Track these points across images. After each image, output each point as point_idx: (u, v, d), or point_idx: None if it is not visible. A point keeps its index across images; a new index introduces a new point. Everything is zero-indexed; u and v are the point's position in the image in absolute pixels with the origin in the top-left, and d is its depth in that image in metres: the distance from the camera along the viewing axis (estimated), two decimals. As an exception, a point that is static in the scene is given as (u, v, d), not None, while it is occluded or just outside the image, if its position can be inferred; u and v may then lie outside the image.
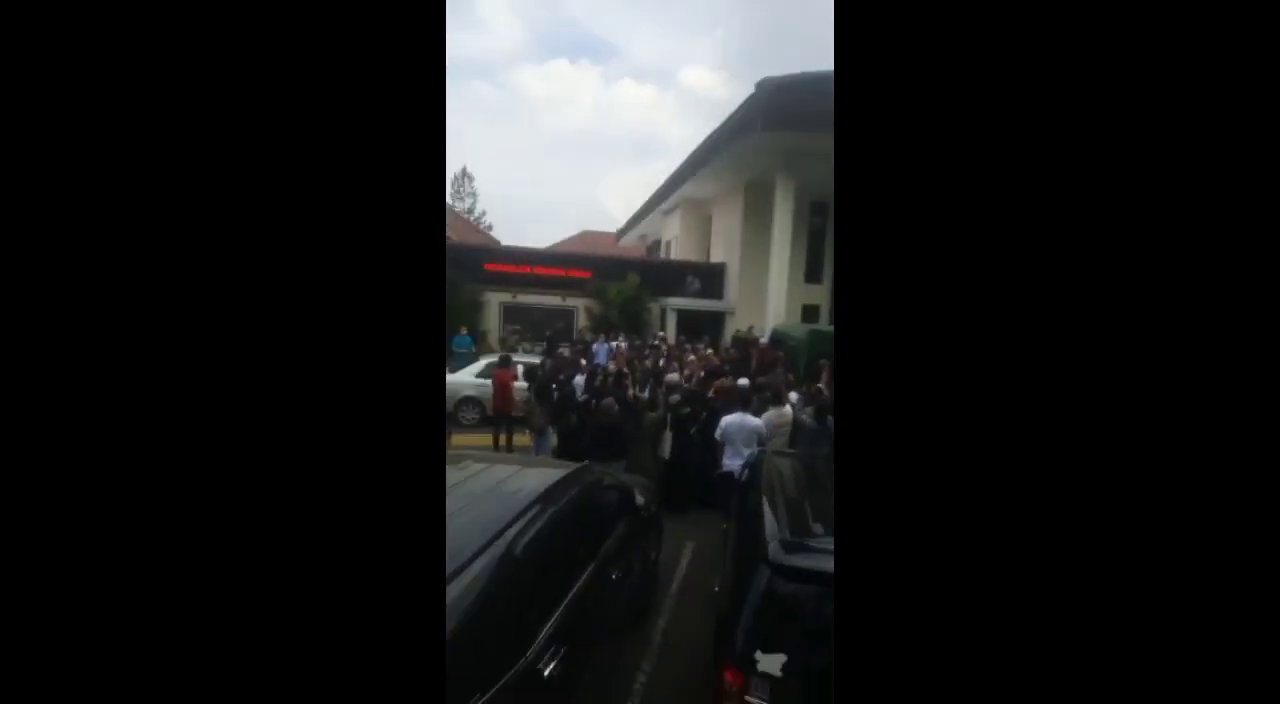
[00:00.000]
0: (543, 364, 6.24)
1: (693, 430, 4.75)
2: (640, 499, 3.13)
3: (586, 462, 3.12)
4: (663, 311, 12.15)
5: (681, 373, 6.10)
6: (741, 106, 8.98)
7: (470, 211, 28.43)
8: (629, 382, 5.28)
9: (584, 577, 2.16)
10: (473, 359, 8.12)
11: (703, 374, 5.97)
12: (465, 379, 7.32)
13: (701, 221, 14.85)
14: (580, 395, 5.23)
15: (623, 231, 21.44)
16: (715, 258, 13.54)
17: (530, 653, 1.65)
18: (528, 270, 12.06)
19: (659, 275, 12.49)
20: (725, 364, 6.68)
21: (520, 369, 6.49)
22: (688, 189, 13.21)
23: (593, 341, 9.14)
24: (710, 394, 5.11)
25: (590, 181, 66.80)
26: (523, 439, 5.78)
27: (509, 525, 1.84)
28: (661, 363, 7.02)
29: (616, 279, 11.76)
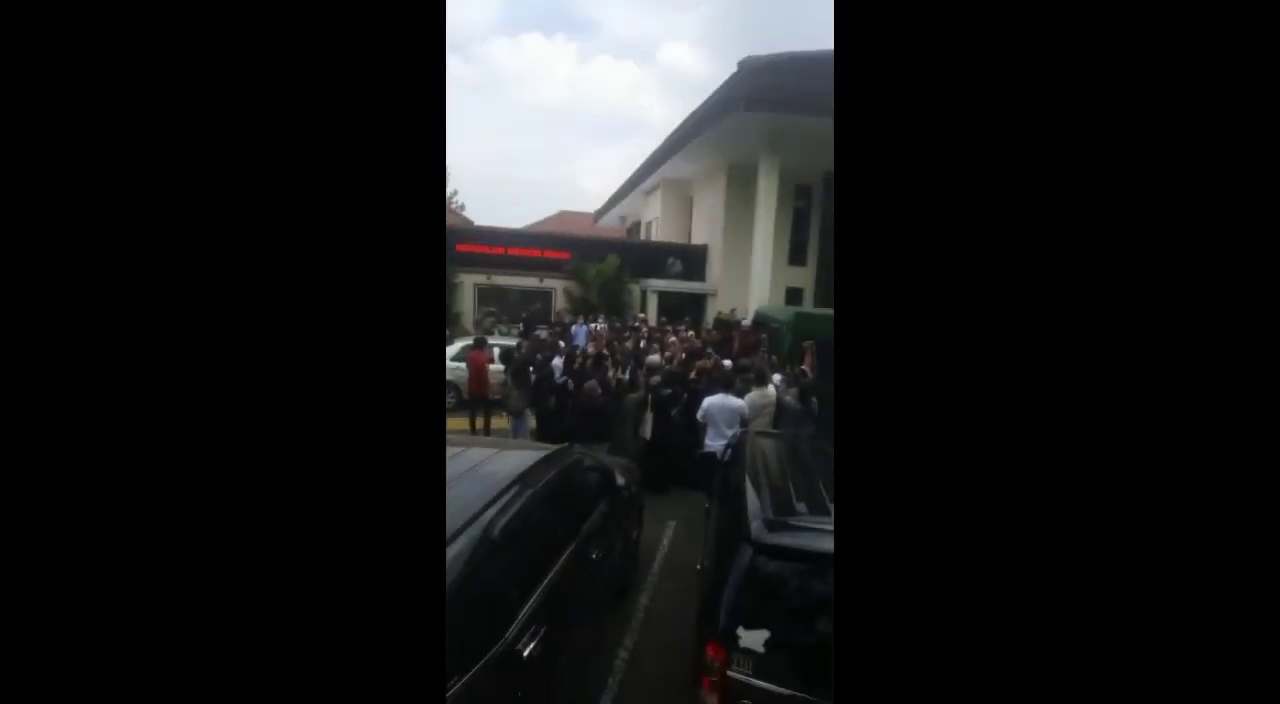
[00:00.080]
0: (519, 346, 6.14)
1: (674, 412, 4.75)
2: (621, 480, 3.11)
3: (566, 443, 3.07)
4: (643, 293, 12.07)
5: (663, 355, 6.08)
6: (724, 86, 8.85)
7: (443, 190, 27.61)
8: (609, 363, 5.24)
9: (564, 557, 2.14)
10: (447, 342, 7.95)
11: (684, 356, 5.96)
12: (441, 362, 7.17)
13: (683, 202, 14.73)
14: (559, 377, 5.17)
15: (601, 212, 21.17)
16: (697, 239, 13.46)
17: (509, 634, 1.63)
18: (503, 251, 11.82)
19: (639, 256, 12.37)
20: (707, 346, 6.68)
21: (497, 352, 6.38)
22: (668, 169, 13.05)
23: (571, 323, 9.05)
24: (692, 375, 5.10)
25: (567, 161, 65.75)
26: (501, 422, 5.71)
27: (487, 507, 1.81)
28: (642, 345, 6.99)
29: (596, 260, 11.61)
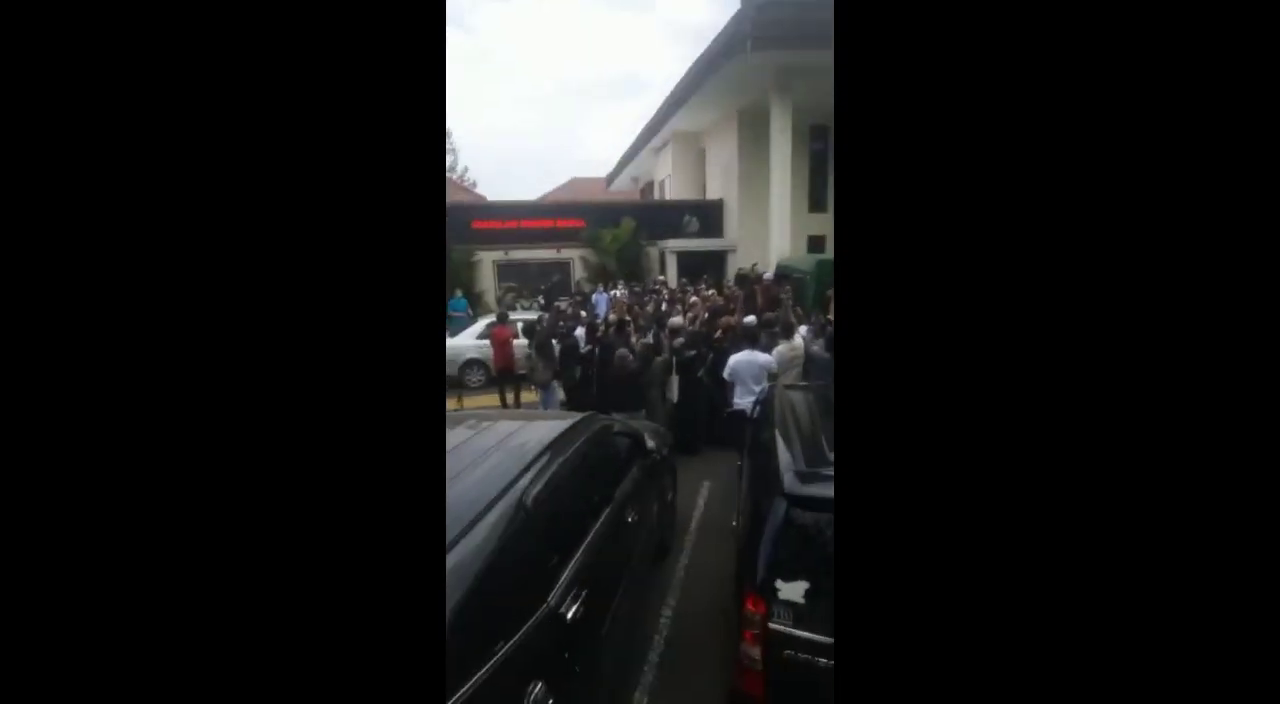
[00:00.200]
0: (540, 319, 6.16)
1: (701, 372, 4.71)
2: (651, 443, 3.12)
3: (592, 411, 3.09)
4: (661, 255, 11.88)
5: (685, 316, 6.01)
6: (728, 26, 8.36)
7: (453, 169, 27.48)
8: (631, 329, 5.21)
9: (600, 521, 2.17)
10: (471, 321, 8.03)
11: (706, 315, 5.87)
12: (466, 342, 7.27)
13: (695, 157, 14.25)
14: (583, 348, 5.17)
15: (613, 176, 20.73)
16: (712, 194, 13.08)
17: (552, 598, 1.67)
18: (518, 225, 11.74)
19: (654, 218, 12.11)
20: (729, 303, 6.57)
21: (520, 326, 6.41)
22: (677, 122, 12.57)
23: (592, 292, 9.00)
24: (717, 334, 5.04)
25: (573, 126, 64.17)
26: (530, 396, 5.79)
27: (519, 476, 1.83)
28: (664, 308, 6.92)
29: (610, 226, 11.43)
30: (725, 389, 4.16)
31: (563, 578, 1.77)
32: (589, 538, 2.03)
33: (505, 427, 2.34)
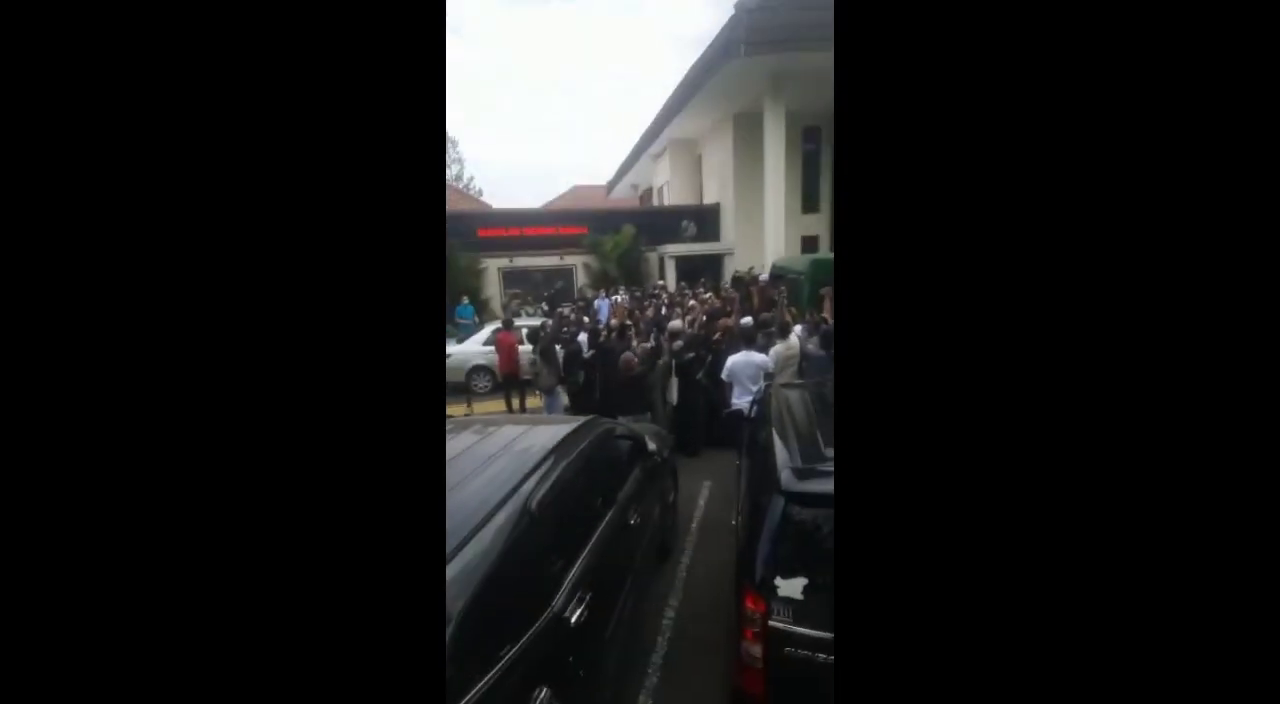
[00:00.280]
0: (542, 326, 6.21)
1: (700, 374, 4.74)
2: (652, 445, 3.14)
3: (593, 415, 3.12)
4: (661, 260, 11.93)
5: (684, 319, 6.04)
6: (722, 31, 8.42)
7: (459, 178, 27.65)
8: (632, 334, 5.24)
9: (602, 524, 2.18)
10: (478, 328, 8.08)
11: (704, 318, 5.90)
12: (473, 348, 7.32)
13: (692, 162, 14.31)
14: (585, 353, 5.21)
15: (613, 183, 20.82)
16: (709, 199, 13.12)
17: (556, 602, 1.68)
18: (522, 233, 11.81)
19: (653, 223, 12.17)
20: (726, 305, 6.60)
21: (524, 332, 6.46)
22: (674, 129, 12.65)
23: (594, 298, 9.05)
24: (716, 336, 5.06)
25: (576, 134, 64.43)
26: (535, 401, 5.82)
27: (523, 480, 1.85)
28: (664, 312, 6.95)
29: (611, 232, 11.50)
30: (723, 390, 4.18)
31: (567, 582, 1.77)
32: (592, 541, 2.04)
33: (509, 431, 2.36)
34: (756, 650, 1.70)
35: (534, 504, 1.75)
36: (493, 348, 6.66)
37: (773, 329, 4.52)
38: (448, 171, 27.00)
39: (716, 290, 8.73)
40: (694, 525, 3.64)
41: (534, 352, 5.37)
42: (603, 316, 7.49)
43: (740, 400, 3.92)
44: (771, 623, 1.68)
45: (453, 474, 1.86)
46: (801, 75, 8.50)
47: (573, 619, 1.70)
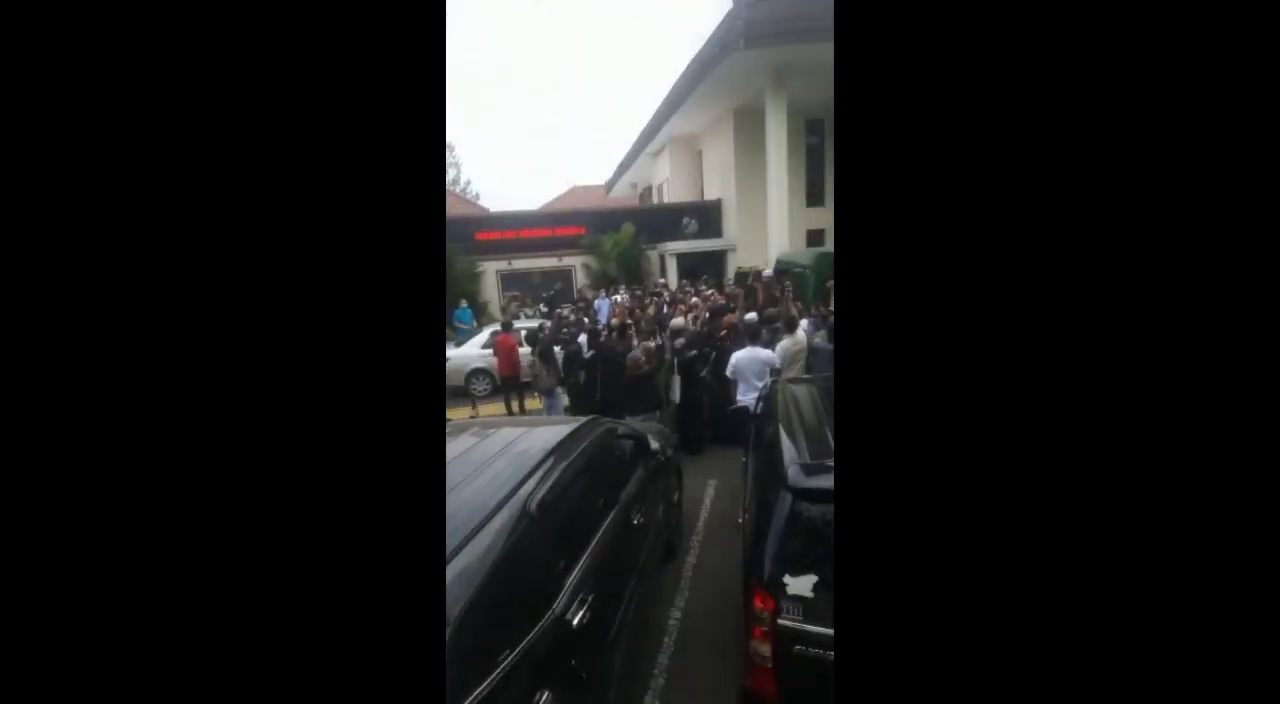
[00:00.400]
0: (541, 327, 6.18)
1: (704, 372, 4.69)
2: (655, 444, 3.10)
3: (594, 415, 3.08)
4: (662, 258, 11.88)
5: (686, 317, 6.00)
6: (721, 25, 8.38)
7: (455, 182, 27.72)
8: (632, 333, 5.20)
9: (605, 524, 2.15)
10: (477, 331, 8.06)
11: (708, 315, 5.86)
12: (472, 352, 7.31)
13: (692, 159, 14.27)
14: (585, 353, 5.17)
15: (612, 182, 20.81)
16: (710, 195, 13.08)
17: (557, 605, 1.65)
18: (520, 235, 11.80)
19: (653, 221, 12.13)
20: (730, 301, 6.56)
21: (523, 334, 6.44)
22: (673, 125, 12.60)
23: (594, 298, 9.01)
24: (722, 333, 5.02)
25: (574, 134, 64.49)
26: (535, 404, 5.79)
27: (523, 482, 1.82)
28: (665, 309, 6.91)
29: (611, 232, 11.46)
30: (728, 387, 4.13)
31: (568, 584, 1.74)
32: (594, 542, 2.01)
33: (508, 433, 2.33)
34: (766, 649, 1.66)
35: (533, 505, 1.72)
36: (491, 351, 6.63)
37: (778, 324, 4.47)
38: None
39: (719, 287, 8.69)
40: (700, 524, 3.59)
41: (533, 353, 5.34)
42: (602, 317, 7.45)
43: (745, 397, 3.87)
44: (781, 621, 1.64)
45: (451, 476, 1.83)
46: (803, 67, 8.45)
47: (575, 621, 1.67)
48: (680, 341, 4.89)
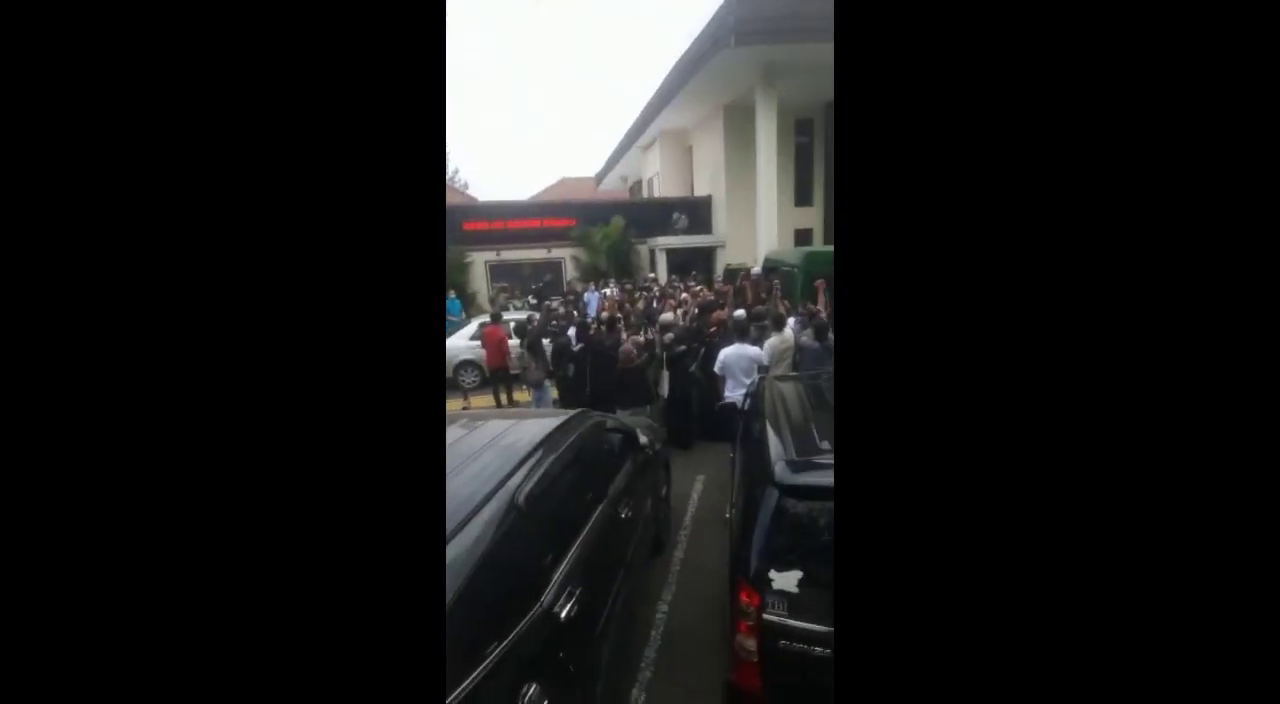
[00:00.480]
0: (529, 319, 6.14)
1: (693, 367, 4.71)
2: (644, 439, 3.11)
3: (583, 408, 3.08)
4: (651, 252, 11.86)
5: (676, 312, 6.00)
6: (711, 21, 8.36)
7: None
8: (621, 326, 5.19)
9: (593, 518, 2.15)
10: (465, 323, 7.98)
11: (697, 311, 5.87)
12: (460, 343, 7.24)
13: (682, 154, 14.24)
14: (574, 346, 5.15)
15: (601, 175, 20.70)
16: (700, 190, 13.08)
17: (545, 597, 1.65)
18: (508, 225, 11.69)
19: (643, 215, 12.09)
20: (720, 297, 6.58)
21: (511, 326, 6.39)
22: (664, 120, 12.57)
23: (584, 291, 8.98)
24: (712, 329, 5.03)
25: (564, 125, 63.93)
26: (524, 396, 5.77)
27: (510, 474, 1.81)
28: (656, 304, 6.91)
29: (600, 225, 11.40)
30: (716, 382, 4.15)
31: (556, 577, 1.74)
32: (582, 535, 2.01)
33: (496, 425, 2.32)
34: (751, 644, 1.68)
35: (521, 498, 1.71)
36: (479, 343, 6.57)
37: (766, 322, 4.49)
38: (434, 164, 26.58)
39: (709, 283, 8.71)
40: (687, 519, 3.61)
41: (521, 346, 5.30)
42: (591, 310, 7.43)
43: (733, 393, 3.90)
44: (766, 616, 1.66)
45: None
46: (793, 67, 8.47)
47: (562, 614, 1.67)
48: (669, 337, 4.90)
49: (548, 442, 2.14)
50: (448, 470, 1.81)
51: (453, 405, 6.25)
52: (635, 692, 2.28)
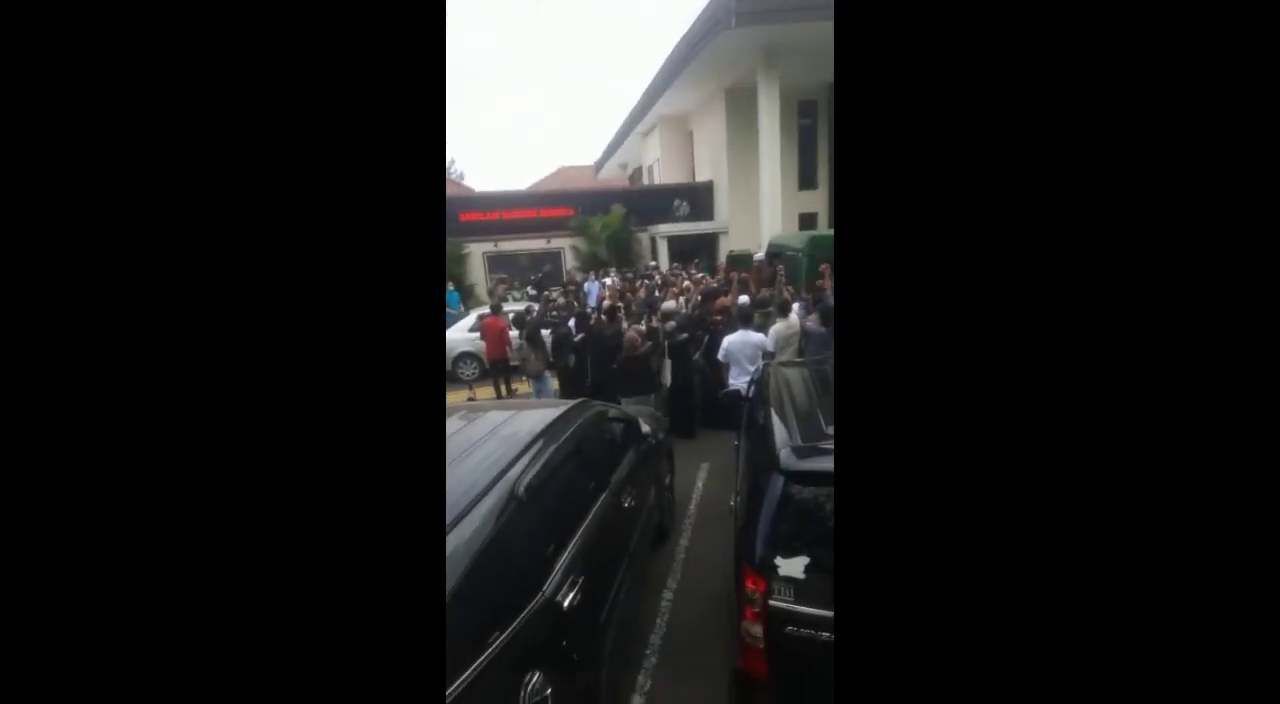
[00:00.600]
0: (528, 310, 6.10)
1: (696, 355, 4.67)
2: (646, 428, 3.09)
3: (584, 398, 3.05)
4: (653, 240, 11.77)
5: (678, 299, 5.96)
6: (710, 3, 8.19)
7: (440, 162, 27.13)
8: (622, 316, 5.15)
9: (596, 507, 2.14)
10: (463, 315, 7.95)
11: (699, 298, 5.82)
12: (459, 335, 7.21)
13: (682, 139, 14.07)
14: (575, 336, 5.12)
15: (601, 162, 20.51)
16: (701, 176, 12.94)
17: (547, 587, 1.64)
18: (505, 216, 11.60)
19: (644, 203, 11.99)
20: (724, 283, 6.53)
21: (510, 317, 6.37)
22: (663, 105, 12.39)
23: (584, 281, 8.93)
24: (716, 317, 4.99)
25: (561, 112, 63.34)
26: (524, 387, 5.75)
27: (511, 464, 1.80)
28: (657, 293, 6.86)
29: (600, 213, 11.31)
30: (719, 370, 4.12)
31: (559, 566, 1.74)
32: (585, 525, 2.01)
33: (496, 416, 2.31)
34: (757, 630, 1.67)
35: (521, 488, 1.71)
36: (479, 334, 6.54)
37: (771, 308, 4.45)
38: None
39: (711, 270, 8.64)
40: (692, 507, 3.61)
41: (521, 336, 5.27)
42: (592, 300, 7.39)
43: (737, 381, 3.86)
44: (772, 602, 1.64)
45: None
46: (795, 47, 8.31)
47: (565, 603, 1.67)
48: (671, 324, 4.86)
49: (548, 432, 2.12)
50: (450, 460, 1.80)
51: (458, 397, 6.25)
52: (641, 679, 2.28)
